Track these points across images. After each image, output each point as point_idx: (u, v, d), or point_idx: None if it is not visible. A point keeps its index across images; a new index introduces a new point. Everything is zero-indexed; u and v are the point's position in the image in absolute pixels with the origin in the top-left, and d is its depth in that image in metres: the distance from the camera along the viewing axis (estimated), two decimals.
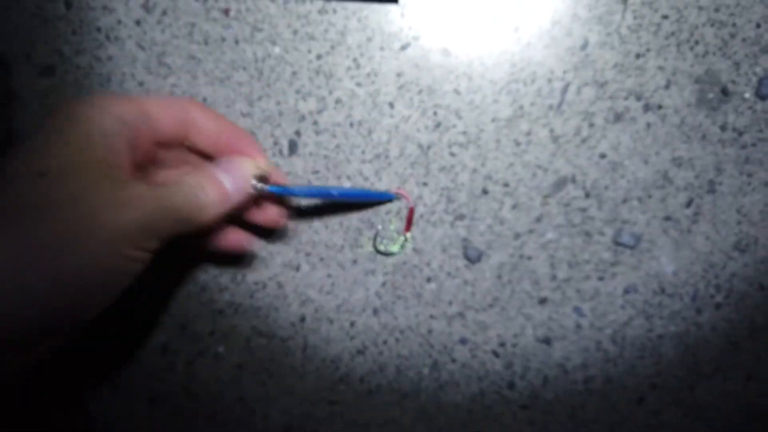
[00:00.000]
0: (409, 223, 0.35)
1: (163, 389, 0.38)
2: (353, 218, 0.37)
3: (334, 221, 0.37)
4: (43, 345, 0.22)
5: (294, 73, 0.36)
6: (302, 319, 0.37)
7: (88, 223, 0.21)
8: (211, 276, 0.38)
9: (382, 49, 0.36)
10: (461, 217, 0.37)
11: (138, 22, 0.37)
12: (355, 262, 0.37)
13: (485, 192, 0.37)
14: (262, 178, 0.30)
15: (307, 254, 0.37)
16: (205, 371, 0.38)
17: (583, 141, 0.36)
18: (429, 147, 0.37)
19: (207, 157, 0.31)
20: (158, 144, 0.28)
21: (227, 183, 0.28)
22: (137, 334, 0.38)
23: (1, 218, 0.20)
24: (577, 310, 0.37)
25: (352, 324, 0.37)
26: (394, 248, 0.36)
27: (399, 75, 0.36)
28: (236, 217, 0.32)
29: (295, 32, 0.36)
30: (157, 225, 0.23)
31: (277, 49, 0.36)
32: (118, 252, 0.22)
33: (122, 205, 0.22)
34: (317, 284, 0.37)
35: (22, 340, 0.21)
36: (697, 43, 0.36)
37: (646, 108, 0.36)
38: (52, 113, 0.24)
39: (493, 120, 0.36)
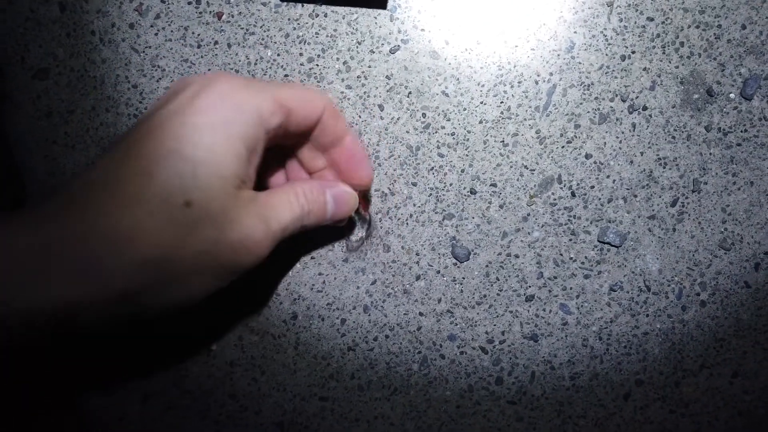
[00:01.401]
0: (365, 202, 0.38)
1: (156, 387, 0.40)
2: None
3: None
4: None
5: (286, 76, 0.39)
6: (294, 316, 0.40)
7: (221, 257, 0.26)
8: None
9: (371, 52, 0.39)
10: (450, 216, 0.39)
11: (132, 26, 0.39)
12: (345, 260, 0.39)
13: (473, 192, 0.39)
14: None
15: (299, 252, 0.39)
16: (198, 368, 0.40)
17: (569, 142, 0.39)
18: (418, 148, 0.39)
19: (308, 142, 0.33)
20: (286, 136, 0.30)
21: (330, 209, 0.32)
22: (130, 331, 0.41)
23: (153, 238, 0.23)
24: (564, 308, 0.39)
25: (343, 321, 0.40)
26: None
27: (388, 78, 0.39)
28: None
29: (286, 36, 0.38)
30: (291, 228, 0.29)
31: (269, 53, 0.39)
32: (237, 271, 0.27)
33: (252, 246, 0.26)
34: (308, 282, 0.39)
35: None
36: (682, 44, 0.39)
37: (632, 109, 0.39)
38: (182, 100, 0.24)
39: (481, 121, 0.39)
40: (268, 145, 0.28)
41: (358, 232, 0.39)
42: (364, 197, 0.37)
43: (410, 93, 0.39)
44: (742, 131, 0.39)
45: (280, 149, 0.33)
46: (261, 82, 0.28)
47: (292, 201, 0.29)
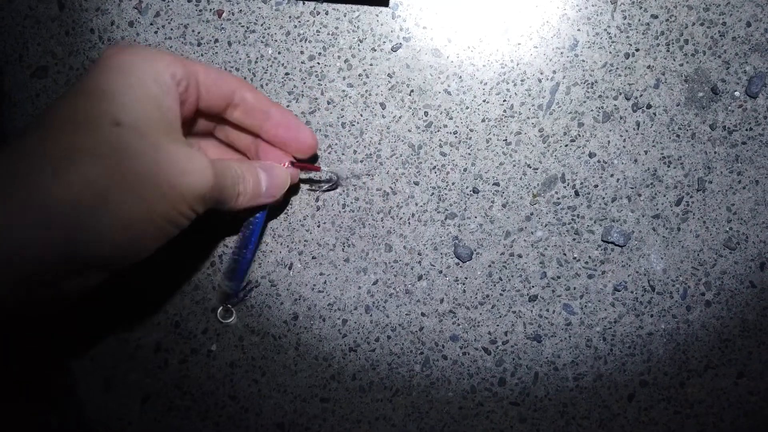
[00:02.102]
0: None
1: (157, 387, 0.41)
2: (346, 217, 0.39)
3: (327, 220, 0.40)
4: (86, 278, 0.25)
5: (286, 74, 0.39)
6: (295, 317, 0.40)
7: (160, 178, 0.25)
8: (204, 274, 0.40)
9: (373, 50, 0.39)
10: (452, 215, 0.39)
11: (131, 24, 0.39)
12: (347, 260, 0.40)
13: (475, 191, 0.39)
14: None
15: (300, 253, 0.40)
16: (198, 369, 0.40)
17: (573, 140, 0.39)
18: (420, 147, 0.39)
19: (250, 133, 0.35)
20: (199, 112, 0.32)
21: (263, 185, 0.33)
22: (131, 332, 0.41)
23: (89, 157, 0.23)
24: (567, 308, 0.39)
25: (344, 322, 0.40)
26: None
27: (390, 76, 0.39)
28: None
29: (287, 33, 0.39)
30: (208, 196, 0.28)
31: (269, 51, 0.39)
32: (178, 208, 0.26)
33: (190, 171, 0.26)
34: (310, 282, 0.40)
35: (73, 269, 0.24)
36: (686, 42, 0.39)
37: (636, 107, 0.39)
38: (103, 59, 0.26)
39: (483, 120, 0.39)
40: (184, 116, 0.30)
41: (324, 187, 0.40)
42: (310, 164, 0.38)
43: (412, 91, 0.39)
44: (747, 129, 0.39)
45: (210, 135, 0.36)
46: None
47: (228, 164, 0.30)
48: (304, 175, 0.39)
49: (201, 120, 0.34)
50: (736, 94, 0.39)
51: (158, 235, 0.27)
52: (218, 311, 0.39)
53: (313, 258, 0.40)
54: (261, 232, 0.36)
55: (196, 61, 0.31)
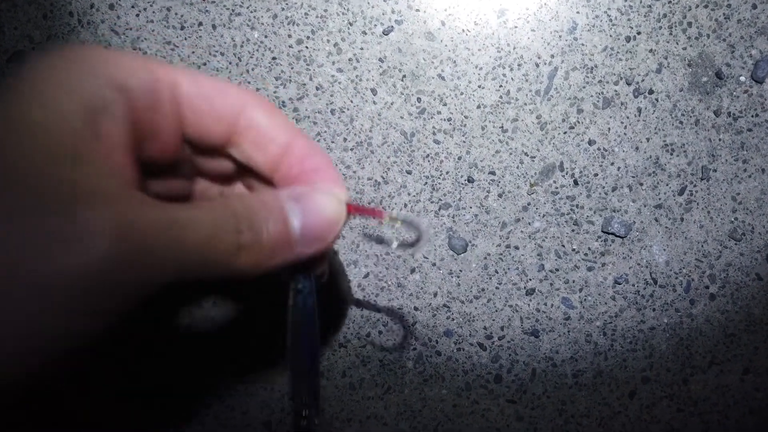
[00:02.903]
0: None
1: (141, 386, 0.40)
2: None
3: None
4: None
5: (273, 59, 0.38)
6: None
7: (8, 271, 0.15)
8: None
9: (364, 33, 0.38)
10: (446, 206, 0.38)
11: (112, 6, 0.38)
12: (336, 252, 0.39)
13: (470, 180, 0.38)
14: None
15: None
16: (183, 367, 0.39)
17: (572, 127, 0.38)
18: (413, 134, 0.38)
19: (259, 179, 0.25)
20: (188, 141, 0.22)
21: (295, 223, 0.20)
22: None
23: None
24: (566, 302, 0.38)
25: (335, 317, 0.39)
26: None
27: (381, 60, 0.38)
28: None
29: (274, 16, 0.38)
30: (136, 276, 0.17)
31: (255, 34, 0.38)
32: (53, 317, 0.16)
33: (76, 238, 0.15)
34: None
35: None
36: (690, 24, 0.38)
37: (637, 93, 0.38)
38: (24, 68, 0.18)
39: (479, 106, 0.38)
40: (156, 151, 0.21)
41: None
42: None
43: (404, 76, 0.38)
44: (753, 116, 0.38)
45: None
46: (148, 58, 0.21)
47: (206, 209, 0.19)
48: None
49: (199, 158, 0.24)
50: (742, 78, 0.38)
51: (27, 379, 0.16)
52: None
53: None
54: (314, 312, 0.24)
55: (180, 68, 0.21)
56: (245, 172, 0.24)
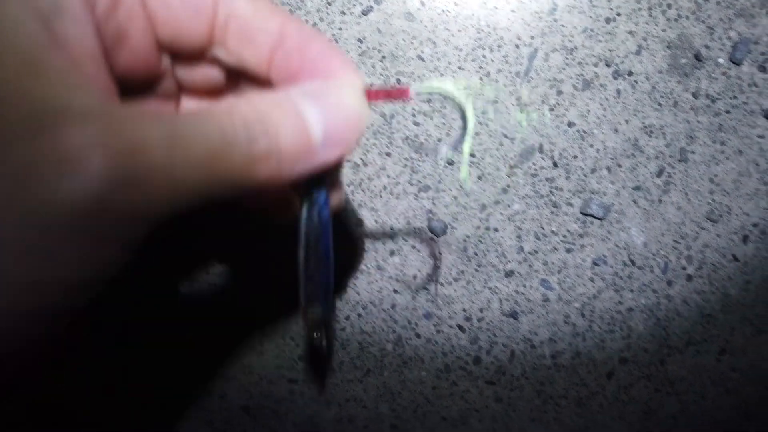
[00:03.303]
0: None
1: (118, 375, 0.40)
2: None
3: None
4: None
5: None
6: (259, 299, 0.39)
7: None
8: None
9: (342, 13, 0.38)
10: (425, 188, 0.38)
11: None
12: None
13: (450, 162, 0.38)
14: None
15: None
16: (161, 352, 0.39)
17: (551, 109, 0.38)
18: (392, 116, 0.38)
19: (257, 84, 0.22)
20: (165, 48, 0.19)
21: (315, 125, 0.18)
22: (90, 315, 0.40)
23: None
24: (545, 283, 0.39)
25: None
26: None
27: (360, 41, 0.38)
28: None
29: None
30: (139, 201, 0.14)
31: None
32: (42, 259, 0.14)
33: (65, 159, 0.13)
34: (276, 258, 0.39)
35: None
36: (669, 6, 0.38)
37: (617, 74, 0.38)
38: None
39: (433, 95, 0.38)
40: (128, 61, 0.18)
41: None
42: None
43: (384, 57, 0.38)
44: (731, 98, 0.38)
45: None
46: None
47: (218, 110, 0.16)
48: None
49: (181, 68, 0.21)
50: (720, 60, 0.38)
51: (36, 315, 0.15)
52: (314, 339, 0.27)
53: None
54: (329, 225, 0.23)
55: None
56: (236, 78, 0.22)
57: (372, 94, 0.20)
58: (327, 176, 0.22)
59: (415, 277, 0.39)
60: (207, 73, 0.21)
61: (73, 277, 0.15)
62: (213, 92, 0.23)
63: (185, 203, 0.15)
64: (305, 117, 0.18)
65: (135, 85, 0.19)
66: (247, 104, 0.17)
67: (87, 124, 0.14)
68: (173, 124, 0.15)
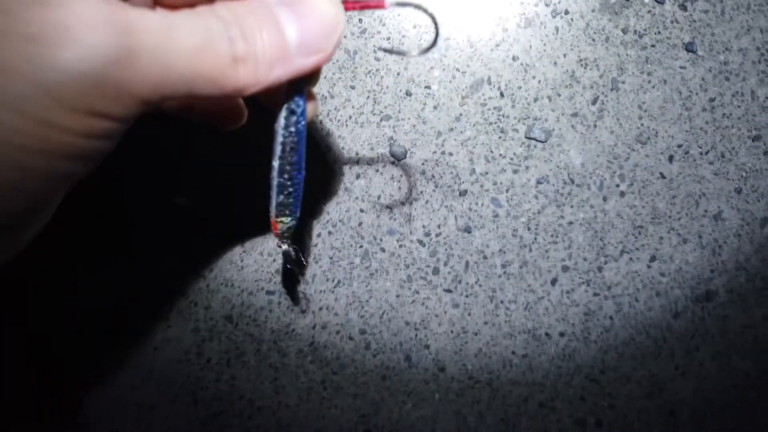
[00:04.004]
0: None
1: (102, 301, 0.44)
2: None
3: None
4: None
5: None
6: (240, 216, 0.43)
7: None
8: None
9: None
10: (387, 117, 0.43)
11: None
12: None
13: (408, 94, 0.43)
14: None
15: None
16: (152, 265, 0.44)
17: (497, 45, 0.43)
18: (355, 52, 0.43)
19: None
20: None
21: (290, 31, 0.19)
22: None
23: None
24: (495, 201, 0.43)
25: None
26: None
27: None
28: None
29: None
30: (134, 79, 0.16)
31: None
32: (53, 121, 0.15)
33: (71, 28, 0.15)
34: (252, 176, 0.43)
35: None
36: None
37: (554, 13, 0.43)
38: None
39: (414, 26, 0.43)
40: None
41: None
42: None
43: None
44: (655, 33, 0.43)
45: None
46: None
47: (201, 12, 0.18)
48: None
49: None
50: (646, 0, 0.43)
51: (36, 187, 0.17)
52: (284, 249, 0.29)
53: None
54: (304, 134, 0.24)
55: None
56: None
57: (349, 5, 0.21)
58: (304, 86, 0.23)
59: (378, 197, 0.44)
60: None
61: (71, 143, 0.16)
62: (188, 5, 0.23)
63: (171, 91, 0.17)
64: (280, 22, 0.19)
65: None
66: (227, 9, 0.18)
67: (90, 2, 0.15)
68: (168, 17, 0.17)
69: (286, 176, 0.24)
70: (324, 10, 0.20)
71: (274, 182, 0.24)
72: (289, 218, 0.27)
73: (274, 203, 0.25)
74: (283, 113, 0.23)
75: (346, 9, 0.21)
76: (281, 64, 0.19)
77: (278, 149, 0.23)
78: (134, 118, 0.17)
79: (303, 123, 0.23)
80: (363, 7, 0.22)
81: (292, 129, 0.23)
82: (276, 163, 0.24)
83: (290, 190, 0.25)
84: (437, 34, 0.24)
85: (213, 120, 0.28)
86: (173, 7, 0.23)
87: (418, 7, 0.23)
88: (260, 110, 0.27)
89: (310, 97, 0.25)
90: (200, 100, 0.26)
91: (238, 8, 0.18)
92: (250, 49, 0.18)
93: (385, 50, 0.28)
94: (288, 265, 0.32)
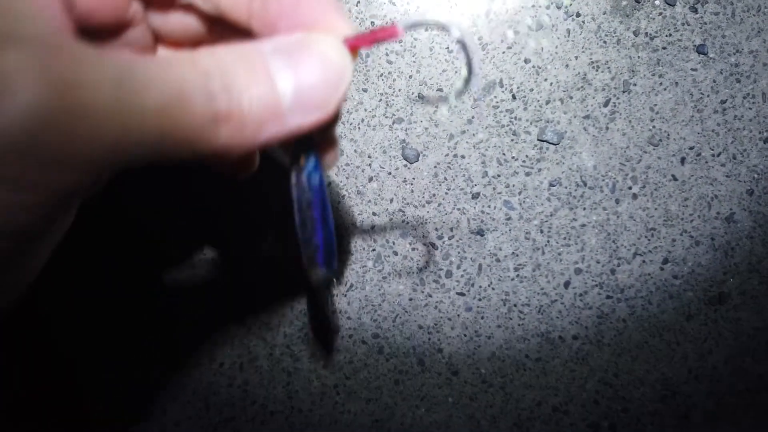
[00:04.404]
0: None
1: (111, 305, 0.44)
2: None
3: None
4: None
5: None
6: (252, 223, 0.43)
7: None
8: None
9: None
10: (399, 120, 0.43)
11: None
12: None
13: (421, 96, 0.43)
14: None
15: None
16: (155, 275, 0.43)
17: (509, 47, 0.43)
18: (367, 55, 0.43)
19: (230, 28, 0.20)
20: None
21: (285, 84, 0.16)
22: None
23: None
24: (507, 204, 0.44)
25: None
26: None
27: None
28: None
29: None
30: (80, 142, 0.13)
31: None
32: None
33: None
34: (263, 189, 0.43)
35: None
36: None
37: (566, 16, 0.43)
38: None
39: (426, 29, 0.43)
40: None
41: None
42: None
43: (358, 2, 0.43)
44: (666, 35, 0.44)
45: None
46: None
47: (169, 64, 0.15)
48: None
49: (154, 15, 0.20)
50: (656, 2, 0.44)
51: None
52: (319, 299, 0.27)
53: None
54: (323, 189, 0.22)
55: None
56: (215, 28, 0.20)
57: (357, 43, 0.18)
58: (315, 138, 0.21)
59: (391, 200, 0.44)
60: (182, 21, 0.20)
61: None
62: (193, 45, 0.21)
63: (133, 154, 0.14)
64: (273, 75, 0.16)
65: (102, 30, 0.18)
66: (210, 56, 0.16)
67: (27, 50, 0.12)
68: (128, 65, 0.14)
69: (309, 230, 0.22)
70: (327, 57, 0.17)
71: (300, 236, 0.22)
72: (321, 271, 0.24)
73: (304, 256, 0.23)
74: (293, 170, 0.21)
75: (355, 47, 0.18)
76: (272, 124, 0.16)
77: (295, 206, 0.22)
78: (93, 182, 0.14)
79: (318, 178, 0.21)
80: (375, 42, 0.19)
81: (305, 185, 0.21)
82: (297, 218, 0.22)
83: (317, 244, 0.22)
84: (470, 69, 0.21)
85: (219, 168, 0.25)
86: (177, 45, 0.22)
87: (437, 26, 0.20)
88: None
89: (329, 145, 0.23)
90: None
91: (224, 55, 0.16)
92: (234, 106, 0.15)
93: (421, 97, 0.26)
94: (320, 317, 0.28)
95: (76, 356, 0.43)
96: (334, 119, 0.20)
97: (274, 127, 0.16)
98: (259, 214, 0.44)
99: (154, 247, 0.43)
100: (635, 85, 0.44)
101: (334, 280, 0.25)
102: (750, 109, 0.44)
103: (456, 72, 0.43)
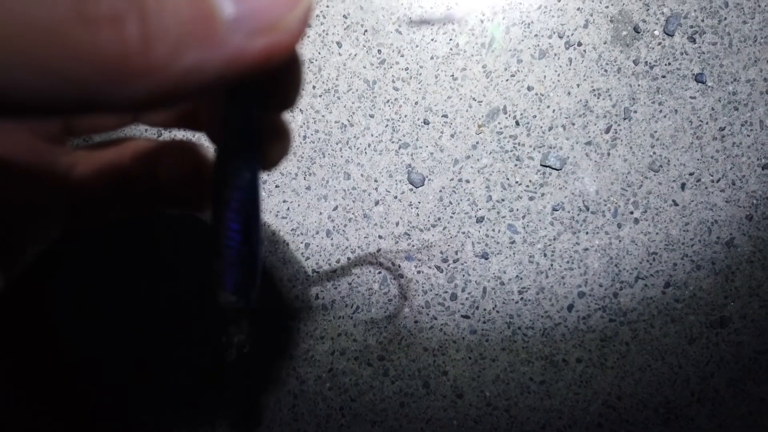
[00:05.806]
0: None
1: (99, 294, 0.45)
2: (306, 147, 0.44)
3: None
4: None
5: None
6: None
7: None
8: None
9: None
10: (405, 145, 0.44)
11: None
12: (308, 188, 0.44)
13: (426, 122, 0.44)
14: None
15: (263, 182, 0.44)
16: (164, 289, 0.44)
17: (513, 75, 0.45)
18: (374, 82, 0.44)
19: None
20: None
21: (228, 6, 0.12)
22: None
23: None
24: (511, 228, 0.45)
25: (307, 245, 0.45)
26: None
27: (345, 17, 0.44)
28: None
29: None
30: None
31: None
32: None
33: None
34: (273, 209, 0.44)
35: None
36: None
37: (568, 45, 0.45)
38: None
39: (432, 57, 0.44)
40: None
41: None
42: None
43: (366, 31, 0.44)
44: (666, 64, 0.45)
45: None
46: None
47: None
48: None
49: None
50: (656, 32, 0.45)
51: None
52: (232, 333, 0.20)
53: (276, 186, 0.45)
54: (254, 193, 0.17)
55: None
56: None
57: None
58: (253, 101, 0.16)
59: (397, 224, 0.45)
60: None
61: None
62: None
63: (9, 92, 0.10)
64: None
65: None
66: None
67: None
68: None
69: (220, 242, 0.16)
70: None
71: (217, 247, 0.17)
72: (234, 297, 0.17)
73: (214, 274, 0.17)
74: (217, 152, 0.16)
75: None
76: (202, 44, 0.11)
77: (213, 206, 0.16)
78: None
79: (247, 176, 0.16)
80: None
81: (238, 181, 0.16)
82: (213, 221, 0.16)
83: (229, 261, 0.17)
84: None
85: (175, 203, 0.20)
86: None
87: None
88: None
89: (278, 131, 0.17)
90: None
91: None
92: (157, 24, 0.11)
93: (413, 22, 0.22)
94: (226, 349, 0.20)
95: (80, 360, 0.44)
96: (292, 88, 0.15)
97: (203, 50, 0.11)
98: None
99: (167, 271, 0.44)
100: (636, 112, 0.45)
101: (246, 314, 0.19)
102: (748, 136, 0.46)
103: (461, 99, 0.45)
